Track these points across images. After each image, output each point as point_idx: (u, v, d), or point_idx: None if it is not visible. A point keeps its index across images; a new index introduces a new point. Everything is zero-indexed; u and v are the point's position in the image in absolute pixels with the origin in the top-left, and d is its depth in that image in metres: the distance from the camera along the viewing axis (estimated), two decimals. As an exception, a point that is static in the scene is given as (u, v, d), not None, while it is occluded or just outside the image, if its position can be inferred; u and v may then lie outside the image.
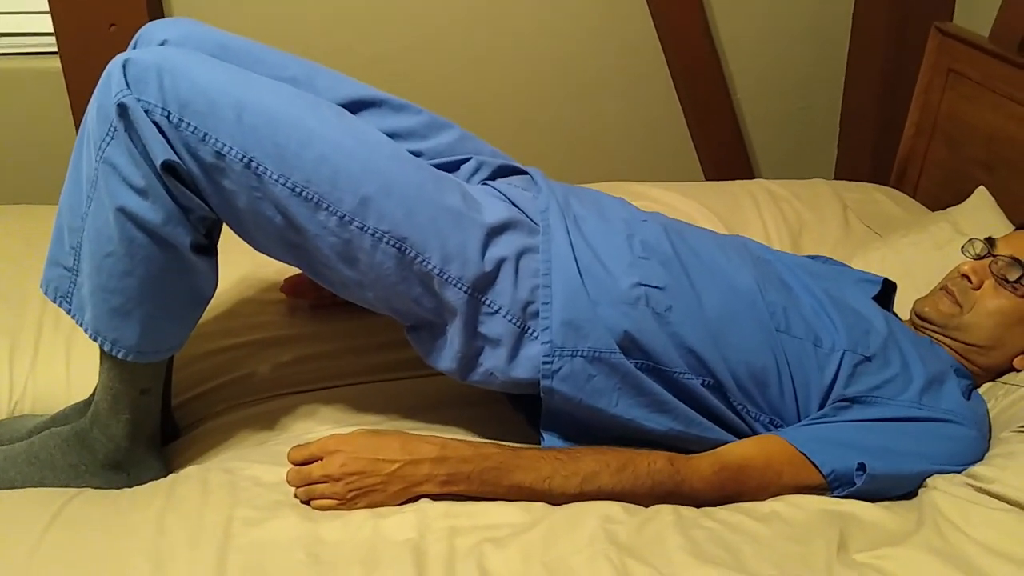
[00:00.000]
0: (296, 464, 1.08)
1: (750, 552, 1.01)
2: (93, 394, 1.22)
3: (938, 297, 1.35)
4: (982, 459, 1.18)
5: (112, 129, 1.01)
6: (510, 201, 1.20)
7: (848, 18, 2.39)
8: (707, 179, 2.47)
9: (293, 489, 1.08)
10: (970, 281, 1.32)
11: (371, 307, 1.15)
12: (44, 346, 1.41)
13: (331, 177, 1.04)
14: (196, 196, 1.05)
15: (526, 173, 1.32)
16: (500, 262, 1.11)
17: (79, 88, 2.05)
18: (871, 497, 1.13)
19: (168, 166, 1.02)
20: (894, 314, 1.43)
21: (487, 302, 1.11)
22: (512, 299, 1.12)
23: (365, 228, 1.06)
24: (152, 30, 1.19)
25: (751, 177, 2.34)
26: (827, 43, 2.41)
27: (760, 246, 1.41)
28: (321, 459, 1.07)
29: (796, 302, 1.25)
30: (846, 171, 2.49)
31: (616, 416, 1.14)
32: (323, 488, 1.05)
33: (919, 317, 1.36)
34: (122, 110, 1.00)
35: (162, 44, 1.17)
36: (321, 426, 1.26)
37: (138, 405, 1.14)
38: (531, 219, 1.18)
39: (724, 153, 2.48)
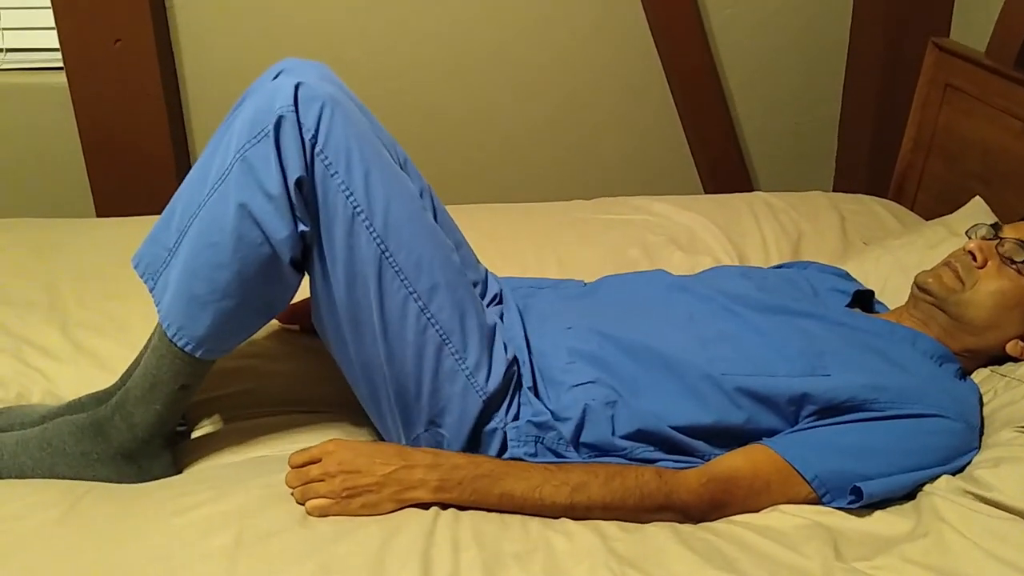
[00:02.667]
0: (296, 467, 1.11)
1: (748, 562, 1.02)
2: (114, 385, 1.27)
3: (941, 270, 1.34)
4: (974, 450, 1.18)
5: (263, 134, 1.08)
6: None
7: (846, 33, 2.41)
8: (706, 192, 2.49)
9: (304, 502, 1.08)
10: (975, 259, 1.31)
11: (375, 385, 1.19)
12: (51, 353, 1.42)
13: (418, 258, 1.15)
14: (310, 217, 1.12)
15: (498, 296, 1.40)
16: (511, 383, 1.22)
17: (85, 103, 2.08)
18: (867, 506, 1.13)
19: (300, 182, 1.09)
20: (875, 311, 1.45)
21: (494, 415, 1.21)
22: (507, 414, 1.22)
23: (424, 311, 1.15)
24: (296, 66, 1.21)
25: (749, 190, 2.36)
26: (825, 57, 2.43)
27: (703, 284, 1.40)
28: (320, 461, 1.09)
29: (739, 345, 1.25)
30: (844, 185, 2.50)
31: None
32: (319, 487, 1.08)
33: (920, 288, 1.35)
34: (280, 122, 1.08)
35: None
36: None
37: (172, 399, 1.17)
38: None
39: (723, 167, 2.49)
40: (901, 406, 1.18)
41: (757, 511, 1.13)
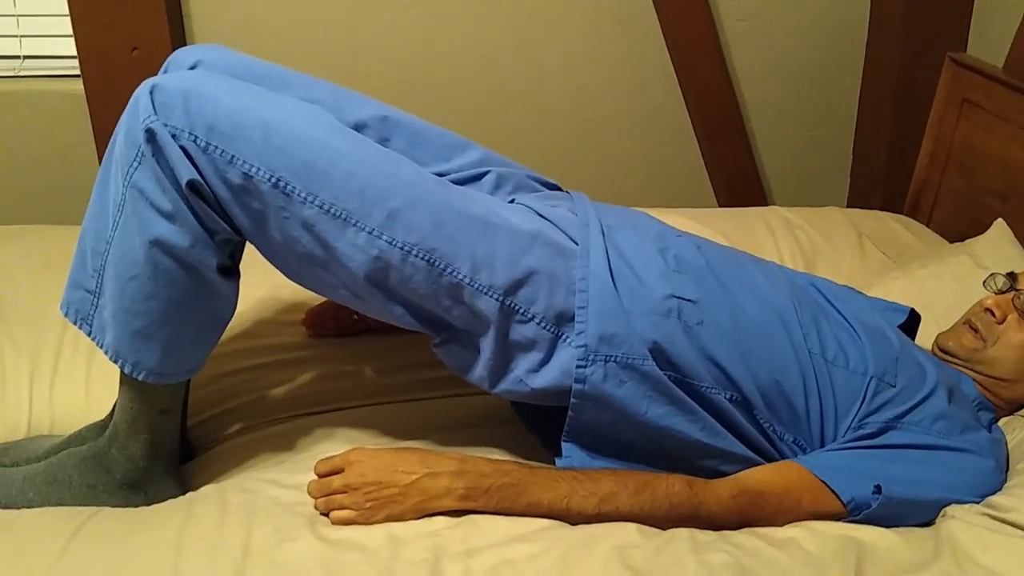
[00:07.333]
0: (321, 476, 1.10)
1: (767, 578, 1.00)
2: (110, 414, 1.23)
3: (961, 331, 1.36)
4: (1000, 490, 1.18)
5: (139, 154, 1.03)
6: (537, 213, 1.20)
7: (862, 48, 2.40)
8: (720, 206, 2.48)
9: (312, 510, 1.08)
10: (994, 315, 1.32)
11: (399, 323, 1.14)
12: (63, 366, 1.42)
13: (359, 192, 1.05)
14: (221, 218, 1.06)
15: (552, 187, 1.33)
16: (531, 271, 1.11)
17: (102, 111, 2.08)
18: (887, 523, 1.12)
19: (193, 186, 1.03)
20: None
21: (520, 310, 1.11)
22: (546, 307, 1.12)
23: (394, 242, 1.06)
24: (181, 56, 1.21)
25: (764, 204, 2.35)
26: (840, 73, 2.42)
27: (794, 271, 1.41)
28: (343, 471, 1.08)
29: (829, 324, 1.25)
30: (859, 200, 2.49)
31: (645, 423, 1.13)
32: (342, 498, 1.06)
33: (942, 351, 1.37)
34: (150, 135, 1.01)
35: (192, 68, 1.19)
36: (338, 446, 1.24)
37: (157, 425, 1.15)
38: (561, 229, 1.18)
39: (737, 180, 2.48)
40: (942, 437, 1.19)
41: (781, 526, 1.12)
